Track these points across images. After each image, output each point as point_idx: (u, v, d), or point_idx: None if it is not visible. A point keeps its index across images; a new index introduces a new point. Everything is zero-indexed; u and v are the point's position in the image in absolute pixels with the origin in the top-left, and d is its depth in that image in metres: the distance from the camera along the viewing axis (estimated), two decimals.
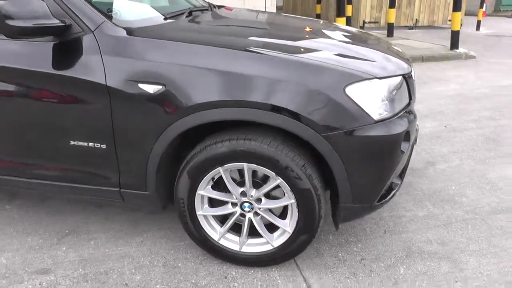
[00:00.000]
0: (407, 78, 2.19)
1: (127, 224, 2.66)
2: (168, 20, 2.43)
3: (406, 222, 2.71)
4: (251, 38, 2.29)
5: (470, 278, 2.20)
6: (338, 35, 2.69)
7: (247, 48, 1.99)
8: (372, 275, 2.22)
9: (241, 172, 2.17)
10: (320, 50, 2.13)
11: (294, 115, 1.86)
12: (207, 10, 3.20)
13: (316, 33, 2.66)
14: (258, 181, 2.14)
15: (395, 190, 2.28)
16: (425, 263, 2.31)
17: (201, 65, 1.91)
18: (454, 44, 8.46)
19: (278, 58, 1.94)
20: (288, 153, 1.95)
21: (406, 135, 2.08)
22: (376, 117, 1.92)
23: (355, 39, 2.66)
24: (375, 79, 1.96)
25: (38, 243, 2.47)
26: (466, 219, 2.74)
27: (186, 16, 2.66)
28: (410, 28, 13.85)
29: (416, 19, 14.27)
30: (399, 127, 2.00)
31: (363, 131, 1.90)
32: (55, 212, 2.78)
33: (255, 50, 1.97)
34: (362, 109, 1.89)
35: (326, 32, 2.75)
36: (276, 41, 2.23)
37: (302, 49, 2.13)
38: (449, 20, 12.46)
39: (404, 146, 2.08)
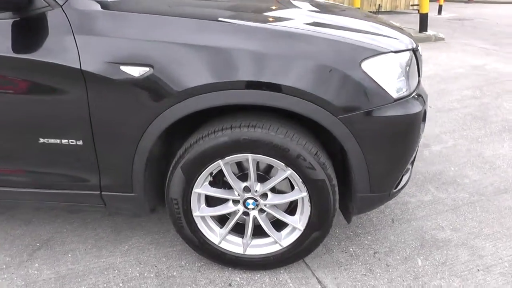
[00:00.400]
0: (416, 53, 1.98)
1: (108, 230, 2.34)
2: None
3: (413, 208, 2.54)
4: (254, 12, 2.02)
5: (492, 265, 2.05)
6: (336, 11, 2.45)
7: (252, 23, 1.72)
8: (390, 270, 2.02)
9: (240, 165, 1.90)
10: (328, 25, 1.90)
11: (307, 96, 1.62)
12: None
13: (320, 9, 2.40)
14: (261, 174, 1.89)
15: (408, 175, 2.08)
16: (442, 252, 2.14)
17: (197, 42, 1.62)
18: (423, 27, 8.44)
19: (287, 32, 1.68)
20: (299, 140, 1.70)
21: (424, 115, 1.88)
22: (394, 95, 1.70)
23: (355, 15, 2.42)
24: (391, 53, 1.74)
25: (4, 261, 2.11)
26: (473, 202, 2.60)
27: None
28: (374, 13, 13.87)
29: (379, 5, 14.31)
30: (418, 106, 1.80)
31: (382, 111, 1.68)
32: (22, 223, 2.41)
33: (262, 26, 1.70)
34: (380, 87, 1.67)
35: (326, 8, 2.50)
36: (281, 15, 1.97)
37: (311, 24, 1.87)
38: (412, 5, 12.60)
39: (422, 127, 1.88)
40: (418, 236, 2.27)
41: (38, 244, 2.23)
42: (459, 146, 3.41)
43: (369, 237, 2.26)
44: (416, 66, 1.97)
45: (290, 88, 1.61)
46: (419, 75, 2.05)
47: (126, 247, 2.20)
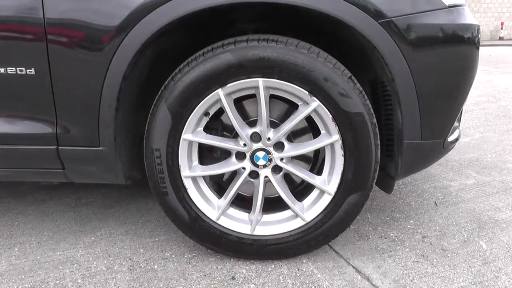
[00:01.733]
0: None
1: (72, 222, 1.80)
2: None
3: (457, 191, 2.04)
4: None
5: None
6: None
7: None
8: (449, 255, 1.50)
9: (243, 111, 1.43)
10: None
11: None
12: None
13: None
14: (273, 121, 1.41)
15: (459, 129, 1.61)
16: (509, 234, 1.63)
17: None
18: None
19: None
20: (327, 57, 1.23)
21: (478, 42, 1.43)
22: (447, 0, 1.27)
23: None
24: None
25: None
26: None
27: None
28: None
29: None
30: (473, 19, 1.36)
31: (435, 17, 1.24)
32: None
33: None
34: None
35: None
36: None
37: None
38: None
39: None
40: (472, 218, 1.76)
41: None
42: (488, 138, 2.97)
43: (411, 221, 1.75)
44: None
45: None
46: None
47: (93, 238, 1.65)
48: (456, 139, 1.53)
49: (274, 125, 1.38)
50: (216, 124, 1.40)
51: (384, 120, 1.42)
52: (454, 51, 1.29)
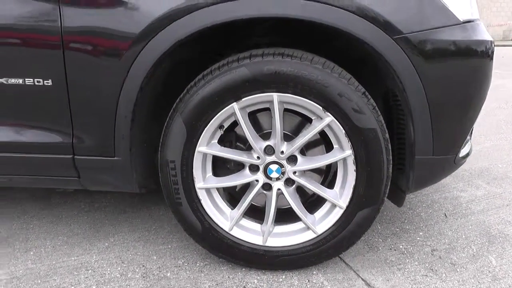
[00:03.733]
0: None
1: (86, 226, 1.83)
2: None
3: (467, 203, 2.04)
4: None
5: None
6: None
7: None
8: (458, 269, 1.50)
9: (257, 123, 1.44)
10: None
11: (356, 8, 1.19)
12: None
13: None
14: (286, 133, 1.43)
15: (470, 144, 1.62)
16: None
17: None
18: None
19: None
20: (342, 73, 1.25)
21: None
22: (460, 16, 1.27)
23: None
24: None
25: None
26: None
27: None
28: None
29: None
30: (487, 35, 1.37)
31: (449, 33, 1.24)
32: None
33: None
34: (445, 4, 1.25)
35: None
36: None
37: None
38: None
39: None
40: (482, 232, 1.76)
41: None
42: (500, 146, 2.96)
43: (420, 233, 1.75)
44: None
45: None
46: None
47: (106, 244, 1.68)
48: (468, 154, 1.53)
49: (287, 137, 1.40)
50: (230, 135, 1.42)
51: (396, 133, 1.44)
52: (467, 67, 1.30)
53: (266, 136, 1.39)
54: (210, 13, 1.20)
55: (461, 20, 1.27)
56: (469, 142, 1.60)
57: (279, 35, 1.48)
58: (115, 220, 1.88)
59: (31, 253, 1.63)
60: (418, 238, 1.72)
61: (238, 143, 1.46)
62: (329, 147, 1.40)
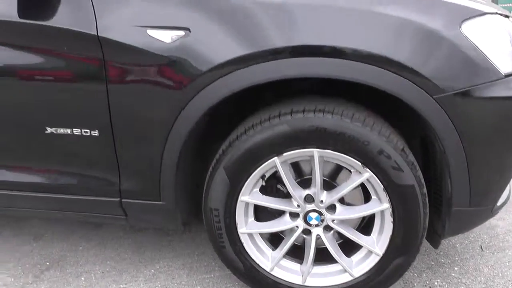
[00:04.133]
0: None
1: (131, 250, 1.94)
2: None
3: (504, 234, 2.03)
4: None
5: None
6: None
7: None
8: None
9: (297, 169, 1.49)
10: None
11: (392, 66, 1.21)
12: None
13: None
14: (325, 179, 1.46)
15: (509, 190, 1.61)
16: None
17: None
18: None
19: None
20: (381, 130, 1.27)
21: None
22: (504, 69, 1.26)
23: None
24: (497, 15, 1.33)
25: (5, 282, 1.74)
26: None
27: None
28: None
29: None
30: None
31: (491, 90, 1.24)
32: (32, 239, 2.05)
33: None
34: (486, 57, 1.24)
35: None
36: None
37: None
38: None
39: None
40: None
41: (47, 264, 1.85)
42: None
43: (455, 268, 1.77)
44: None
45: (370, 55, 1.20)
46: None
47: (152, 271, 1.79)
48: (505, 202, 1.53)
49: (326, 184, 1.44)
50: (271, 182, 1.47)
51: (433, 180, 1.45)
52: (508, 123, 1.30)
53: (305, 182, 1.44)
54: (267, 68, 1.24)
55: (503, 74, 1.27)
56: (507, 188, 1.60)
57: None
58: (158, 244, 1.98)
59: (82, 278, 1.75)
60: (453, 274, 1.74)
61: (278, 186, 1.52)
62: (366, 194, 1.43)
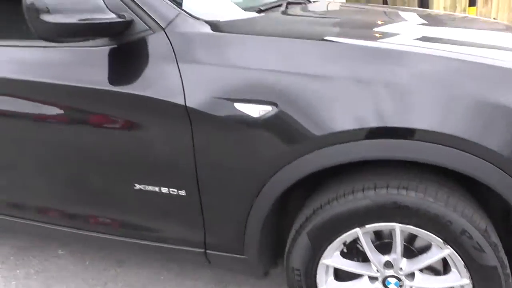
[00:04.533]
0: None
1: (211, 284, 2.07)
2: (264, 14, 1.81)
3: None
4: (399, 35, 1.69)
5: None
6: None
7: (405, 48, 1.39)
8: None
9: (378, 232, 1.54)
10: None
11: (469, 147, 1.22)
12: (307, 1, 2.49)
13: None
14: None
15: None
16: None
17: (334, 72, 1.31)
18: None
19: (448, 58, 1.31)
20: (464, 210, 1.30)
21: None
22: None
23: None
24: None
25: None
26: None
27: (286, 8, 2.04)
28: None
29: (494, 18, 13.13)
30: None
31: None
32: (115, 264, 2.24)
33: (417, 50, 1.36)
34: None
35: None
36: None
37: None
38: None
39: None
40: None
41: None
42: None
43: None
44: None
45: (460, 140, 1.22)
46: None
47: None
48: None
49: (406, 250, 1.47)
50: (351, 245, 1.53)
51: None
52: None
53: (385, 247, 1.48)
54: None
55: None
56: None
57: None
58: (238, 277, 2.08)
59: None
60: None
61: (358, 246, 1.57)
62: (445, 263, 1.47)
